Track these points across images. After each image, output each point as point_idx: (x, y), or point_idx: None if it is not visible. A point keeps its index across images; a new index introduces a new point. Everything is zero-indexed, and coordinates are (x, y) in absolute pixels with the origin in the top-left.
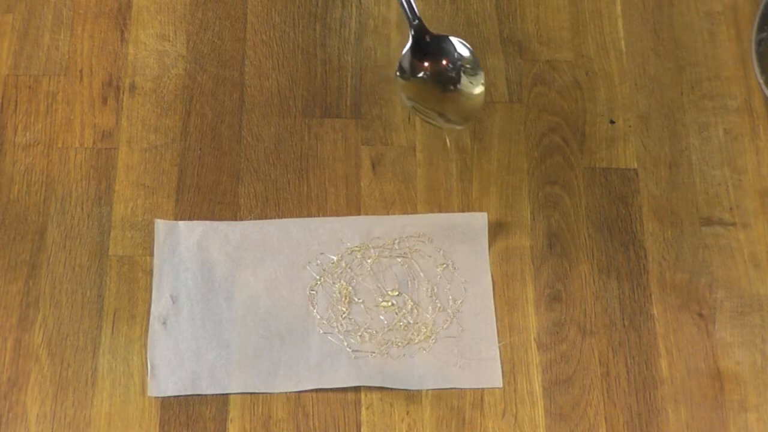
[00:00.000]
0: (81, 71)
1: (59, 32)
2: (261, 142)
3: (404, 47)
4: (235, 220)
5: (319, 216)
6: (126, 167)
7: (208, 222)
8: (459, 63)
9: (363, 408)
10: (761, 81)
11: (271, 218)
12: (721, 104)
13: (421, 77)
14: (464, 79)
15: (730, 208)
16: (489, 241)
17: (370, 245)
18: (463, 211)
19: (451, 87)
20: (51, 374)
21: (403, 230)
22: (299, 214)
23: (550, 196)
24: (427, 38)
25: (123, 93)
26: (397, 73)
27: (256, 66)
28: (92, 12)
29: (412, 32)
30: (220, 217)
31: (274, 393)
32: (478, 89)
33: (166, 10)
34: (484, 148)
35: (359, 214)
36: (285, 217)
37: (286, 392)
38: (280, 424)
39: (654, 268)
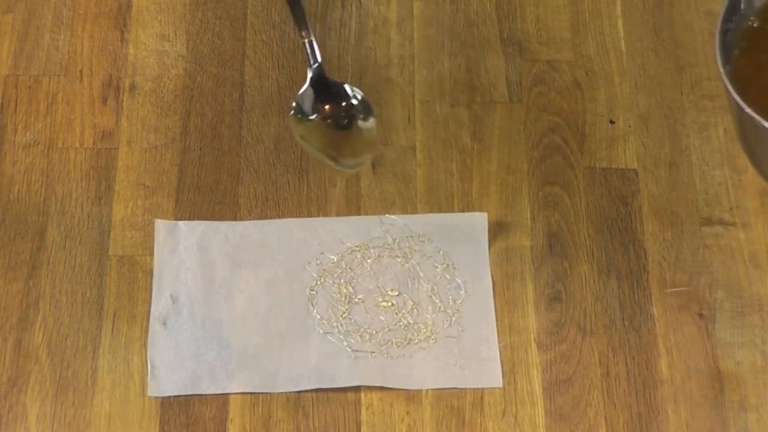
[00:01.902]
0: (81, 71)
1: (59, 32)
2: (261, 142)
3: (300, 88)
4: (235, 220)
5: (319, 216)
6: (126, 167)
7: (208, 222)
8: (353, 108)
9: (363, 408)
10: (722, 71)
11: (271, 218)
12: (721, 104)
13: (317, 118)
14: (358, 123)
15: (730, 208)
16: (489, 241)
17: (370, 245)
18: (463, 211)
19: (345, 129)
20: (51, 374)
21: (403, 230)
22: (299, 214)
23: (550, 196)
24: (326, 81)
25: (123, 93)
26: (292, 113)
27: (256, 66)
28: (92, 12)
29: (311, 74)
30: (220, 217)
31: (274, 393)
32: (370, 132)
33: (166, 10)
34: (484, 148)
35: (359, 214)
36: (285, 217)
37: (286, 392)
38: (280, 424)
39: (654, 268)
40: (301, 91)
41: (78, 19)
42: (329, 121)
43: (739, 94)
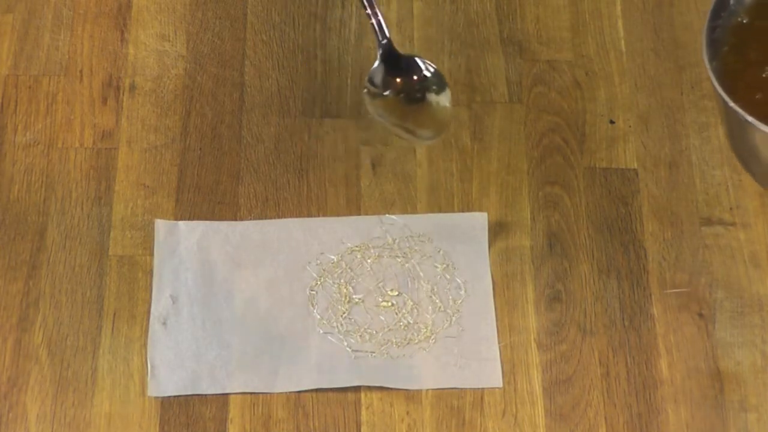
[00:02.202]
0: (81, 71)
1: (59, 32)
2: (261, 142)
3: (373, 65)
4: (235, 220)
5: (319, 216)
6: (126, 167)
7: (208, 222)
8: (426, 80)
9: (363, 408)
10: (709, 67)
11: (271, 218)
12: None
13: (390, 93)
14: (431, 96)
15: (730, 208)
16: (489, 241)
17: (370, 245)
18: (463, 211)
19: (420, 102)
20: (51, 374)
21: (403, 230)
22: (299, 214)
23: (550, 196)
24: (396, 56)
25: (123, 93)
26: (366, 90)
27: (256, 66)
28: (92, 12)
29: (381, 51)
30: (220, 217)
31: (274, 393)
32: (445, 103)
33: (166, 10)
34: (484, 148)
35: (359, 214)
36: (285, 217)
37: (286, 392)
38: (280, 424)
39: (654, 268)
40: (372, 67)
41: (78, 19)
42: (402, 95)
43: (727, 90)
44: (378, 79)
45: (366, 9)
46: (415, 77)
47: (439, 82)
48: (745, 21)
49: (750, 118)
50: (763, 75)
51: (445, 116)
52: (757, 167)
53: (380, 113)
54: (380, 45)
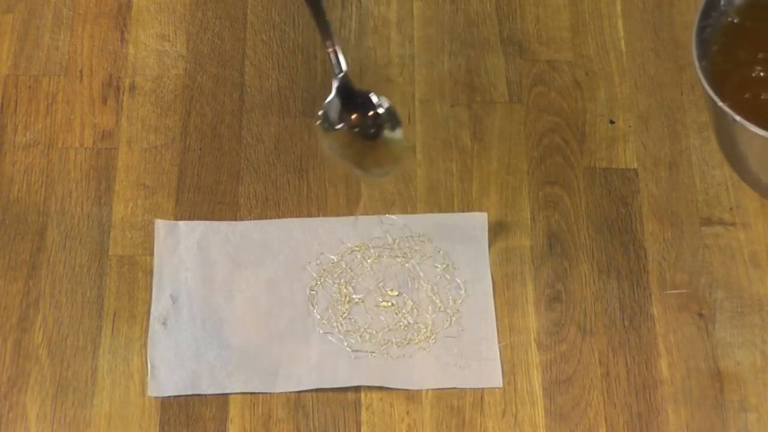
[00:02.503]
0: (81, 71)
1: (59, 32)
2: (261, 142)
3: (326, 98)
4: (235, 220)
5: (319, 216)
6: (126, 167)
7: (208, 222)
8: (380, 117)
9: (363, 408)
10: (698, 65)
11: (271, 218)
12: None
13: (343, 127)
14: (385, 132)
15: (730, 208)
16: (489, 241)
17: (370, 245)
18: (463, 211)
19: (373, 138)
20: (51, 374)
21: (403, 230)
22: (299, 214)
23: (550, 196)
24: (352, 91)
25: (123, 93)
26: (319, 123)
27: (256, 66)
28: (92, 12)
29: (337, 84)
30: (220, 217)
31: (274, 393)
32: (399, 140)
33: (166, 10)
34: (484, 148)
35: (359, 214)
36: (285, 217)
37: (286, 392)
38: (280, 424)
39: (654, 268)
40: (327, 100)
41: (78, 19)
42: (356, 130)
43: (716, 89)
44: (332, 112)
45: (325, 40)
46: (369, 113)
47: (392, 119)
48: (735, 21)
49: (738, 118)
50: (753, 75)
51: (398, 153)
52: (745, 167)
53: (333, 147)
54: (336, 78)
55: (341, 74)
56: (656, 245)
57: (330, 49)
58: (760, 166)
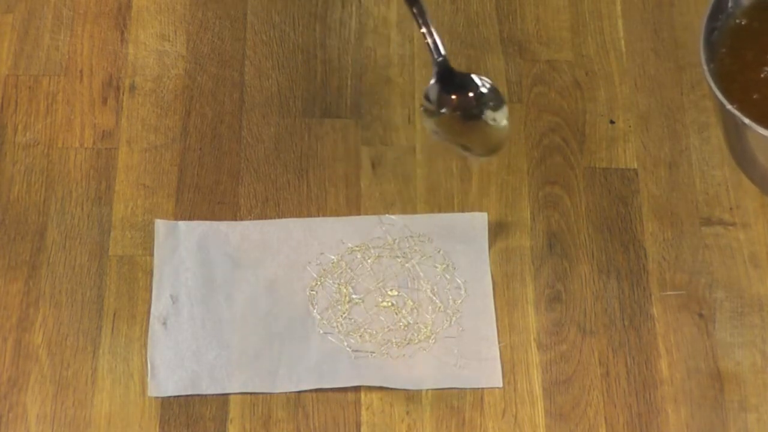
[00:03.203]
0: (81, 71)
1: (59, 32)
2: (261, 142)
3: (429, 82)
4: (235, 220)
5: (319, 216)
6: (126, 167)
7: (208, 222)
8: (483, 97)
9: (363, 408)
10: (706, 68)
11: (271, 218)
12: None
13: (446, 111)
14: (488, 113)
15: (730, 208)
16: (489, 241)
17: (370, 245)
18: (463, 211)
19: (476, 120)
20: (51, 374)
21: (403, 230)
22: (299, 214)
23: (550, 196)
24: (452, 73)
25: (123, 93)
26: (422, 107)
27: (256, 66)
28: (92, 12)
29: (436, 69)
30: (220, 217)
31: (274, 393)
32: (502, 120)
33: (166, 10)
34: None
35: (359, 214)
36: (285, 217)
37: (286, 392)
38: (280, 424)
39: (654, 268)
40: (428, 85)
41: (78, 19)
42: (458, 112)
43: (724, 91)
44: (433, 96)
45: (421, 28)
46: (471, 94)
47: (496, 98)
48: (743, 23)
49: (747, 121)
50: (761, 75)
51: (502, 133)
52: (754, 170)
53: (436, 130)
54: (435, 62)
55: (440, 58)
56: (656, 245)
57: (428, 38)
58: None
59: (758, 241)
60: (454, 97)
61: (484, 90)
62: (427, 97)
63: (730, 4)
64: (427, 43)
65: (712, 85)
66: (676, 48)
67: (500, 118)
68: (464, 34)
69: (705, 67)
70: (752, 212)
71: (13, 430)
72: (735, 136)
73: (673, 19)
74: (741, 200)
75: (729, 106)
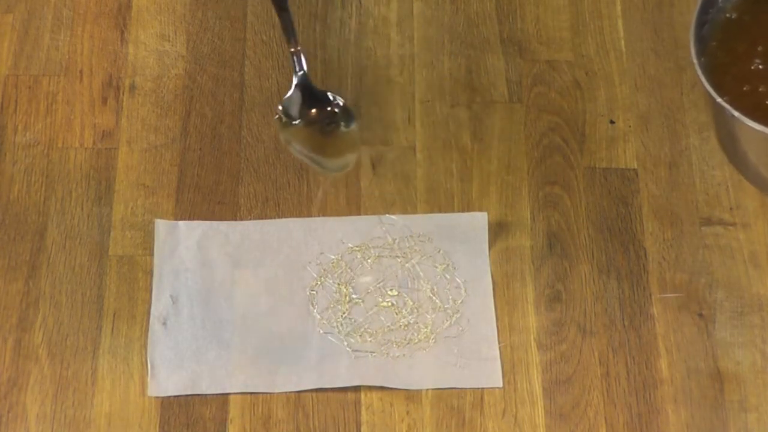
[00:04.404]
0: (81, 71)
1: (59, 32)
2: (261, 142)
3: (285, 94)
4: (235, 220)
5: (319, 216)
6: (126, 167)
7: (208, 222)
8: (336, 114)
9: (363, 408)
10: (696, 62)
11: (271, 218)
12: None
13: (302, 123)
14: (341, 128)
15: (730, 208)
16: (489, 241)
17: (370, 245)
18: (463, 211)
19: (329, 134)
20: (51, 374)
21: (403, 230)
22: (299, 214)
23: (550, 196)
24: (311, 88)
25: (123, 93)
26: (278, 117)
27: (256, 66)
28: (92, 12)
29: (297, 81)
30: (220, 217)
31: (274, 393)
32: (353, 137)
33: (166, 10)
34: (484, 148)
35: (359, 214)
36: (285, 217)
37: (286, 392)
38: (280, 424)
39: (654, 268)
40: (286, 96)
41: (78, 19)
42: (315, 125)
43: (715, 84)
44: (293, 108)
45: (289, 40)
46: (327, 109)
47: (347, 116)
48: (733, 17)
49: (736, 113)
50: (752, 68)
51: (353, 149)
52: (746, 166)
53: (290, 141)
54: (297, 76)
55: (301, 72)
56: (656, 245)
57: (292, 49)
58: (760, 160)
59: (758, 241)
60: (312, 110)
61: (336, 109)
62: (284, 108)
63: None
64: (292, 57)
65: (702, 78)
66: (676, 48)
67: (352, 135)
68: (464, 34)
69: (695, 61)
70: (752, 212)
71: (13, 430)
72: (725, 130)
73: (673, 19)
74: (741, 200)
75: (719, 99)
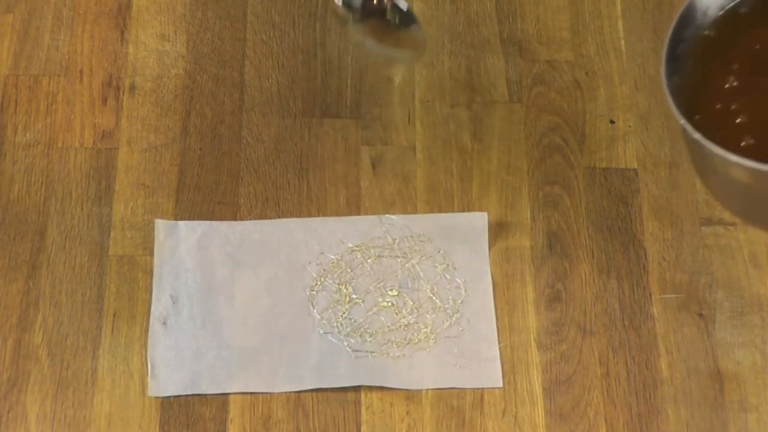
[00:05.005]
0: (81, 71)
1: (59, 32)
2: (261, 142)
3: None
4: (235, 220)
5: (319, 216)
6: (126, 167)
7: (208, 222)
8: (397, 8)
9: (363, 408)
10: (665, 81)
11: (271, 218)
12: None
13: (368, 18)
14: (406, 20)
15: None
16: (489, 241)
17: (370, 245)
18: (463, 211)
19: (396, 24)
20: (51, 374)
21: (403, 230)
22: (299, 214)
23: (550, 196)
24: None
25: (123, 93)
26: (345, 9)
27: (256, 66)
28: (92, 12)
29: None
30: (220, 217)
31: (274, 393)
32: (415, 34)
33: (166, 10)
34: (484, 148)
35: (359, 214)
36: (285, 217)
37: (286, 392)
38: (280, 424)
39: (654, 268)
40: None
41: (78, 19)
42: (381, 19)
43: (689, 102)
44: (356, 2)
45: None
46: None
47: (410, 15)
48: (710, 34)
49: (697, 135)
50: (726, 86)
51: (421, 38)
52: (711, 184)
53: (359, 39)
54: None
55: None
56: (656, 245)
57: None
58: (723, 185)
59: (758, 241)
60: (375, 1)
61: (400, 4)
62: (352, 6)
63: (698, 16)
64: None
65: (669, 97)
66: None
67: (417, 26)
68: (464, 34)
69: (664, 80)
70: None
71: (13, 430)
72: (692, 150)
73: (673, 19)
74: None
75: (682, 120)
